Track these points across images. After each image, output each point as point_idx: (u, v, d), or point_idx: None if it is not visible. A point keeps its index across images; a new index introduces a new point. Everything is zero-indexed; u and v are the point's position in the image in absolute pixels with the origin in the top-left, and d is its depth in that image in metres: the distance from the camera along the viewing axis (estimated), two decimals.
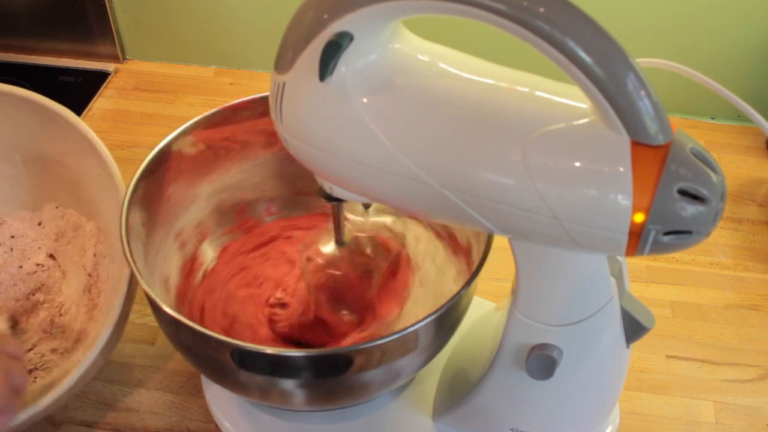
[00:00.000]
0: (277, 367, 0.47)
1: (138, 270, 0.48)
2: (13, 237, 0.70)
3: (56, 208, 0.71)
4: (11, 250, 0.69)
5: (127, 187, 0.53)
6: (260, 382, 0.48)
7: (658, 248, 0.37)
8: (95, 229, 0.71)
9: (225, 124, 0.59)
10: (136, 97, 0.96)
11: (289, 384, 0.48)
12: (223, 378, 0.51)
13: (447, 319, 0.49)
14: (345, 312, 0.59)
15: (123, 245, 0.50)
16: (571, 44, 0.33)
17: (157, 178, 0.57)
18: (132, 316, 0.69)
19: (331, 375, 0.47)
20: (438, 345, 0.51)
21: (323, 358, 0.46)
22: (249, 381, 0.49)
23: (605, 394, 0.52)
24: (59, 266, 0.69)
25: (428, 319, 0.45)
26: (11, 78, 0.96)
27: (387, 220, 0.61)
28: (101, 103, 0.95)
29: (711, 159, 0.36)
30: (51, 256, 0.69)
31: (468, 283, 0.48)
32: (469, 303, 0.52)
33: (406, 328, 0.45)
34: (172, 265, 0.60)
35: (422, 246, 0.63)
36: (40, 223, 0.70)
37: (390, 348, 0.46)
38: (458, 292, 0.47)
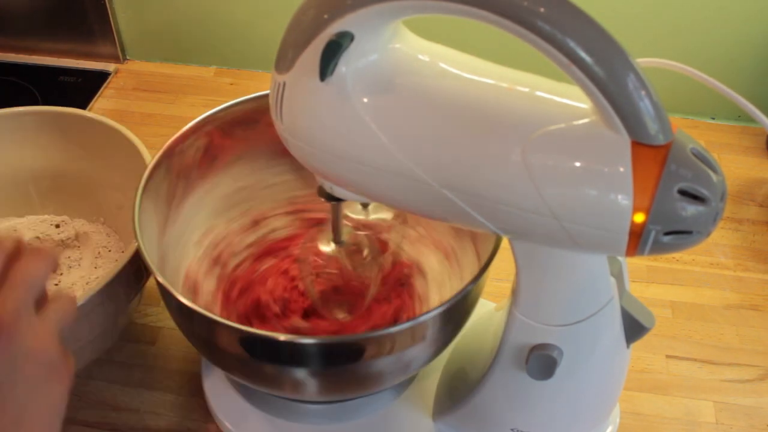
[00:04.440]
0: (289, 354, 0.47)
1: (149, 260, 0.48)
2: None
3: (57, 227, 0.72)
4: None
5: (138, 185, 0.53)
6: (271, 370, 0.49)
7: (659, 248, 0.37)
8: (101, 225, 0.73)
9: None
10: (137, 98, 0.96)
11: (299, 373, 0.48)
12: (234, 366, 0.51)
13: (456, 311, 0.49)
14: (341, 312, 0.59)
15: (138, 239, 0.50)
16: (572, 44, 0.33)
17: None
18: (132, 316, 0.69)
19: (341, 363, 0.48)
20: (447, 337, 0.52)
21: (334, 345, 0.47)
22: (260, 369, 0.49)
23: (605, 394, 0.52)
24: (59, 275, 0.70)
25: (438, 310, 0.46)
26: (11, 78, 0.96)
27: (386, 218, 0.61)
28: (101, 103, 0.95)
29: (711, 159, 0.36)
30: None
31: (478, 276, 0.48)
32: (478, 297, 0.53)
33: (417, 318, 0.45)
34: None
35: (423, 243, 0.63)
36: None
37: (400, 338, 0.46)
38: (466, 286, 0.47)
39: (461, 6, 0.34)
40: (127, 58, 1.02)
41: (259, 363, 0.48)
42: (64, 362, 0.37)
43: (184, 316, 0.50)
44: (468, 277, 0.57)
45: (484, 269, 0.48)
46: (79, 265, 0.70)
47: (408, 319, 0.46)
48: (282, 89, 0.40)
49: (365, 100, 0.39)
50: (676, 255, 0.77)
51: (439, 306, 0.46)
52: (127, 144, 0.66)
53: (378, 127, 0.38)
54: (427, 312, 0.45)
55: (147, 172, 0.54)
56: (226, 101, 0.59)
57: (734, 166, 0.89)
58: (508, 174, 0.37)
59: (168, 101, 0.95)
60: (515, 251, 0.42)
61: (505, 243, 0.43)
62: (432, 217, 0.42)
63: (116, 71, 1.00)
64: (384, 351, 0.47)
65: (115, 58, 1.01)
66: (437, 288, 0.61)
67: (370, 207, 0.57)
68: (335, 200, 0.46)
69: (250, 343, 0.47)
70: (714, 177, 0.36)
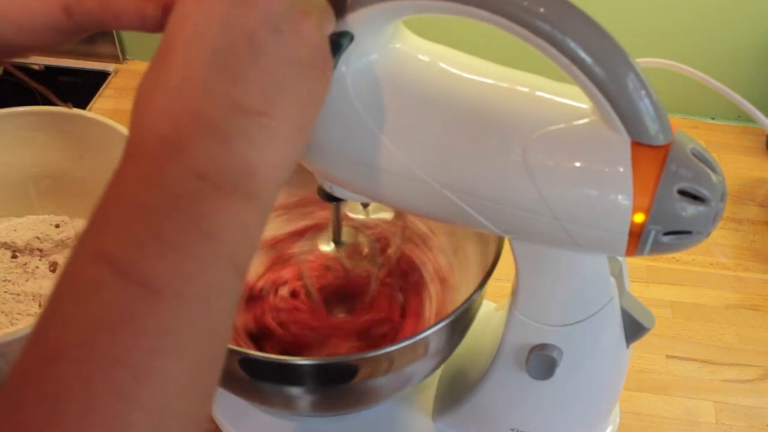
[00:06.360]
0: (286, 375, 0.46)
1: None
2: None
3: (57, 227, 0.72)
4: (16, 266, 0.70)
5: None
6: (269, 389, 0.48)
7: (658, 248, 0.37)
8: None
9: None
10: None
11: (297, 391, 0.48)
12: (232, 385, 0.51)
13: (458, 324, 0.49)
14: (342, 313, 0.59)
15: None
16: (572, 44, 0.33)
17: None
18: None
19: (340, 382, 0.47)
20: (449, 349, 0.51)
21: (332, 366, 0.46)
22: (258, 388, 0.49)
23: (605, 394, 0.52)
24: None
25: (439, 325, 0.45)
26: (11, 78, 0.96)
27: (387, 218, 0.61)
28: (101, 103, 0.95)
29: (711, 159, 0.36)
30: (52, 270, 0.70)
31: (480, 286, 0.47)
32: (479, 306, 0.52)
33: (417, 335, 0.44)
34: None
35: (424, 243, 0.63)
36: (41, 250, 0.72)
37: (400, 355, 0.46)
38: (469, 297, 0.46)
39: (461, 6, 0.34)
40: (127, 58, 1.02)
41: (256, 382, 0.48)
42: (329, 59, 0.33)
43: None
44: (474, 268, 0.57)
45: (487, 277, 0.48)
46: None
47: (409, 336, 0.44)
48: None
49: (365, 99, 0.38)
50: (676, 255, 0.77)
51: (440, 321, 0.45)
52: None
53: (378, 127, 0.38)
54: (430, 327, 0.44)
55: None
56: None
57: (734, 166, 0.89)
58: (509, 174, 0.37)
59: None
60: (515, 251, 0.42)
61: (505, 243, 0.43)
62: (432, 217, 0.42)
63: (116, 71, 1.00)
64: (383, 369, 0.46)
65: (115, 58, 1.01)
66: (441, 284, 0.61)
67: (370, 207, 0.57)
68: (335, 200, 0.46)
69: (246, 363, 0.46)
70: (714, 177, 0.36)
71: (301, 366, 0.45)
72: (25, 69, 0.96)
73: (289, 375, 0.46)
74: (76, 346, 0.24)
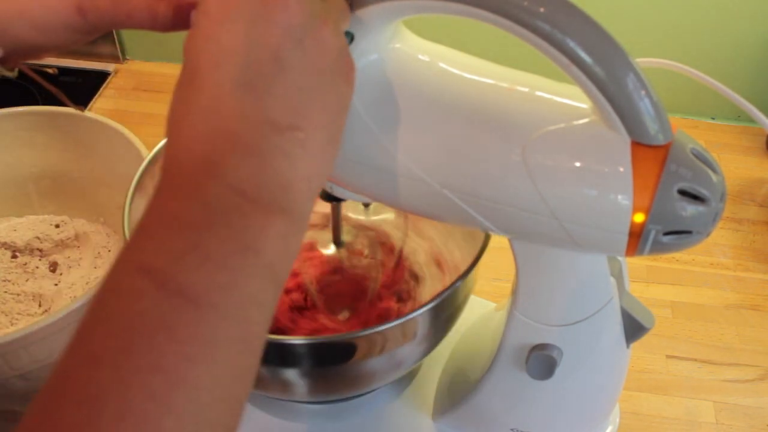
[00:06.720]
0: (278, 354, 0.47)
1: None
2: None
3: (57, 227, 0.72)
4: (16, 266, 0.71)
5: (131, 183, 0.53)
6: (264, 372, 0.48)
7: (658, 248, 0.37)
8: (100, 226, 0.71)
9: None
10: (136, 97, 0.96)
11: (291, 374, 0.48)
12: None
13: (442, 309, 0.49)
14: (343, 313, 0.59)
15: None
16: (572, 44, 0.33)
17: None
18: None
19: (331, 363, 0.48)
20: (436, 335, 0.52)
21: (324, 345, 0.47)
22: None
23: (605, 394, 0.52)
24: (60, 274, 0.69)
25: (424, 309, 0.46)
26: (15, 79, 0.96)
27: (387, 218, 0.61)
28: (101, 103, 0.95)
29: (711, 159, 0.36)
30: (52, 270, 0.70)
31: (465, 274, 0.48)
32: (468, 292, 0.52)
33: (404, 316, 0.45)
34: None
35: (422, 242, 0.63)
36: (41, 250, 0.72)
37: (388, 336, 0.46)
38: (452, 284, 0.47)
39: (461, 6, 0.34)
40: (127, 58, 1.02)
41: None
42: (351, 62, 0.33)
43: None
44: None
45: (472, 265, 0.48)
46: (79, 265, 0.70)
47: (396, 317, 0.46)
48: None
49: (365, 99, 0.38)
50: (676, 255, 0.77)
51: (427, 303, 0.46)
52: (127, 144, 0.66)
53: (378, 126, 0.38)
54: (416, 309, 0.45)
55: (141, 168, 0.54)
56: None
57: (734, 166, 0.89)
58: (508, 174, 0.37)
59: (167, 101, 0.95)
60: (515, 251, 0.42)
61: (504, 243, 0.43)
62: (432, 217, 0.42)
63: (116, 71, 1.00)
64: (374, 349, 0.47)
65: (115, 58, 1.01)
66: (438, 285, 0.61)
67: (371, 207, 0.57)
68: (335, 200, 0.46)
69: None
70: (714, 177, 0.36)
71: (294, 345, 0.46)
72: (40, 72, 0.96)
73: (283, 355, 0.47)
74: (114, 352, 0.25)
